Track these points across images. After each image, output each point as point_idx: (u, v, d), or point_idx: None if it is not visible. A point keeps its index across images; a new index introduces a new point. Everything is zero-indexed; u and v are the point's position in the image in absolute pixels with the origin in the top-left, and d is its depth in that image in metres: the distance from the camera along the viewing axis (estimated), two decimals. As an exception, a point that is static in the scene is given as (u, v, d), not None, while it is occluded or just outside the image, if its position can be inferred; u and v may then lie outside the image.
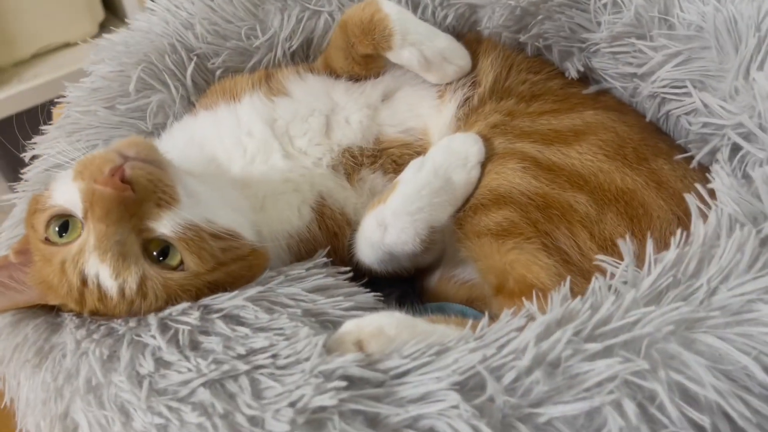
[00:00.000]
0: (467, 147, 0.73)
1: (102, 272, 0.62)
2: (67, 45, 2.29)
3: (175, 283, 0.63)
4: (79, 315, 0.66)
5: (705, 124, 0.72)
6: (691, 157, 0.73)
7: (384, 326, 0.56)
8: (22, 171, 0.86)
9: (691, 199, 0.63)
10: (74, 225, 0.65)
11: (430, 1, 0.88)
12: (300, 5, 0.89)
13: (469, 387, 0.48)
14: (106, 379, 0.57)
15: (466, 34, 0.89)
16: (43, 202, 0.67)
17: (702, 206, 0.61)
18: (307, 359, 0.52)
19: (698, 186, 0.63)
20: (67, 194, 0.64)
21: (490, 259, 0.69)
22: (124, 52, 0.86)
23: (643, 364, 0.46)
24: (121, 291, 0.62)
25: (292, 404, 0.48)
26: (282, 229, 0.76)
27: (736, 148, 0.68)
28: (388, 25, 0.77)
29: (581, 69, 0.84)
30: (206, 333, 0.59)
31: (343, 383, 0.48)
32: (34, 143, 0.86)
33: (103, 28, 2.31)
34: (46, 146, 0.84)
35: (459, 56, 0.82)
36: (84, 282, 0.63)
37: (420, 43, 0.78)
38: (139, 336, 0.60)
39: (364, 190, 0.80)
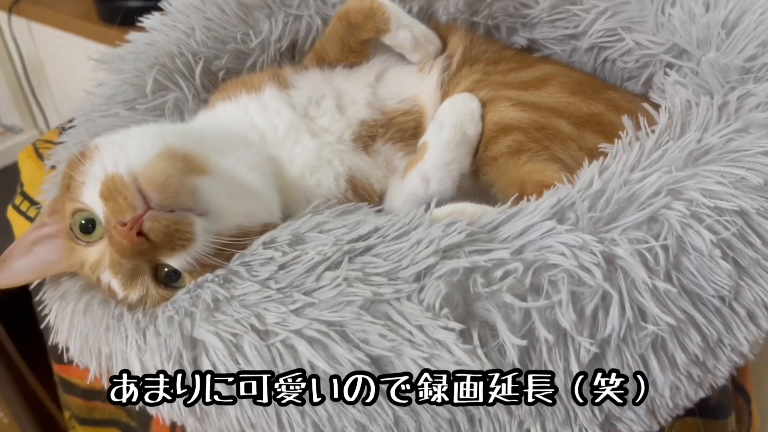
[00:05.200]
0: (469, 104, 0.88)
1: (113, 282, 0.71)
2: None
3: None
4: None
5: (639, 58, 0.93)
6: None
7: (465, 206, 0.68)
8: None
9: (627, 122, 0.78)
10: (99, 224, 0.71)
11: (396, -5, 1.04)
12: (283, 12, 1.02)
13: (558, 218, 0.61)
14: (229, 293, 0.63)
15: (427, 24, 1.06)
16: (76, 190, 0.72)
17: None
18: (419, 226, 0.62)
19: (646, 106, 0.81)
20: (95, 203, 0.70)
21: (509, 174, 0.82)
22: (134, 59, 0.93)
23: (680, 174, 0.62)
24: (126, 298, 0.71)
25: (427, 245, 0.58)
26: (322, 194, 0.85)
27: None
28: (386, 11, 0.92)
29: (525, 44, 1.03)
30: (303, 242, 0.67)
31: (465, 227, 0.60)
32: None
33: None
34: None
35: (434, 38, 0.99)
36: (99, 280, 0.72)
37: (410, 26, 0.94)
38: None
39: (381, 162, 0.91)
